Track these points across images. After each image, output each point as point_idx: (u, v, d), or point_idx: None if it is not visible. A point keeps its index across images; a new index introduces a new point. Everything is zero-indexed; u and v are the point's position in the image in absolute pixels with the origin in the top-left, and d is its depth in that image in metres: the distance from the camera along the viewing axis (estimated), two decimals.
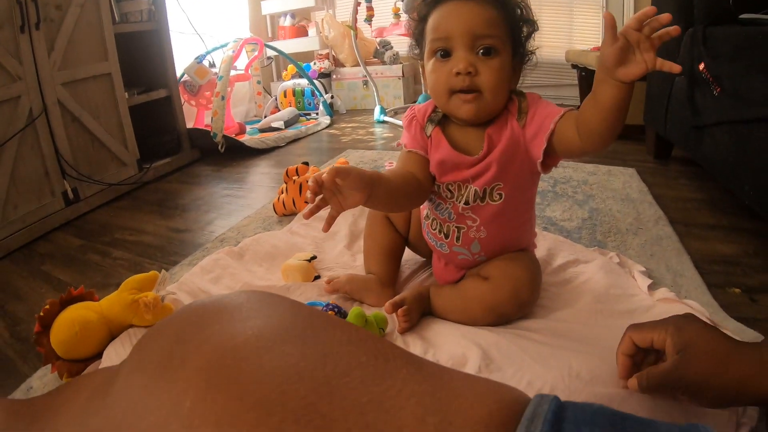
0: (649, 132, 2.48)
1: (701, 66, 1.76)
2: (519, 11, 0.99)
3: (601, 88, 0.79)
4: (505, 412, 0.40)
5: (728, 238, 1.48)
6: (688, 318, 0.74)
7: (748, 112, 1.48)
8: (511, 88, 1.02)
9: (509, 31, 0.97)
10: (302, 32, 4.27)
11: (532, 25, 1.01)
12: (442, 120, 1.06)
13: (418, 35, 1.05)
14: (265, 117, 3.62)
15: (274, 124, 3.38)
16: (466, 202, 1.04)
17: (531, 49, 1.04)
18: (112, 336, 1.09)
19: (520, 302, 1.05)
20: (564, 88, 3.75)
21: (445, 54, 0.96)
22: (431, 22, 0.98)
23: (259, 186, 2.33)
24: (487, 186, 1.02)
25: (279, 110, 3.78)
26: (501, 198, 1.03)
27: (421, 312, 1.11)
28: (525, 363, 0.90)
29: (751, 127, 1.47)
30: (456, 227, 1.09)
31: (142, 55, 2.69)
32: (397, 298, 1.09)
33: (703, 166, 1.82)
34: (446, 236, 1.11)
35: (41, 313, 1.06)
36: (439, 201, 1.09)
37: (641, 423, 0.43)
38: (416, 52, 1.08)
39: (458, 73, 0.93)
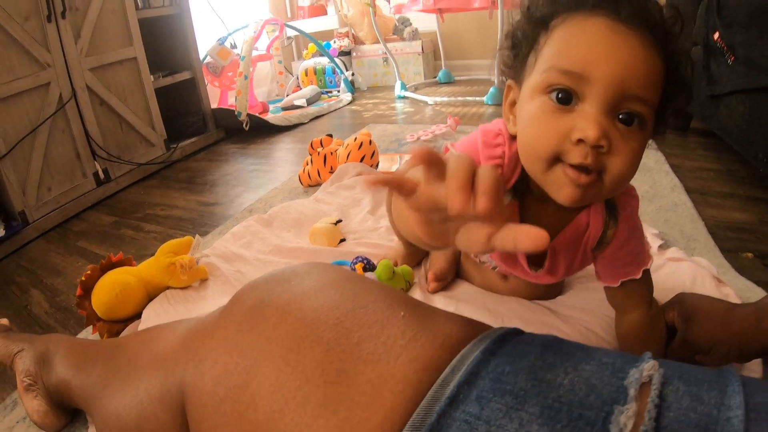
0: None
1: (715, 35, 1.75)
2: (686, 68, 0.66)
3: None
4: (465, 330, 0.54)
5: (744, 206, 1.47)
6: (689, 294, 0.84)
7: (761, 79, 1.48)
8: None
9: (662, 95, 0.65)
10: (321, 11, 4.28)
11: (689, 92, 0.67)
12: (523, 190, 0.74)
13: (522, 38, 0.69)
14: (287, 96, 3.65)
15: (297, 102, 3.41)
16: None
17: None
18: (150, 297, 1.14)
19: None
20: None
21: (567, 98, 0.62)
22: (559, 38, 0.64)
23: (284, 161, 2.36)
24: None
25: (300, 89, 3.80)
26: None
27: (453, 275, 1.10)
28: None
29: (764, 94, 1.47)
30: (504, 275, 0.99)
31: (165, 38, 2.73)
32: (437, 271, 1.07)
33: (719, 136, 1.81)
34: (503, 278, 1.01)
35: (83, 278, 1.11)
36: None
37: (575, 347, 0.51)
38: (507, 59, 0.73)
39: (580, 141, 0.60)
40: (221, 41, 3.15)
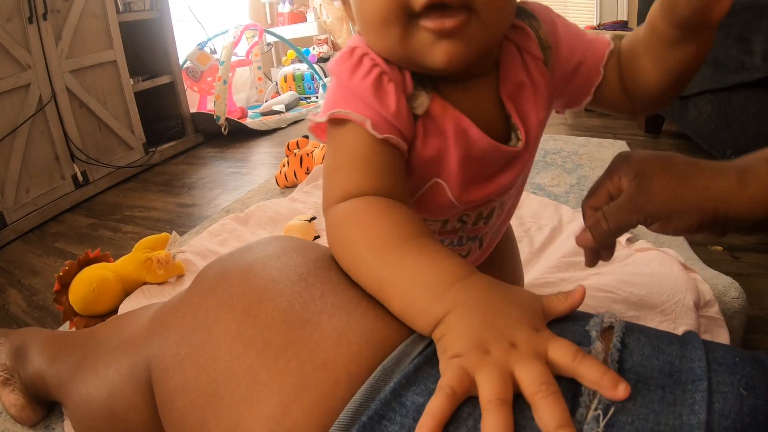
0: None
1: None
2: None
3: (676, 50, 0.53)
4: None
5: None
6: (637, 150, 0.63)
7: (727, 79, 1.55)
8: None
9: None
10: (300, 18, 4.31)
11: None
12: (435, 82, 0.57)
13: None
14: (266, 102, 3.68)
15: (275, 108, 3.44)
16: (483, 220, 0.70)
17: None
18: (127, 293, 1.16)
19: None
20: None
21: None
22: None
23: (262, 164, 2.39)
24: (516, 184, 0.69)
25: (279, 95, 3.83)
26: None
27: None
28: None
29: (731, 93, 1.55)
30: (473, 243, 0.74)
31: (145, 43, 2.76)
32: None
33: (690, 136, 1.87)
34: (465, 254, 0.76)
35: (60, 273, 1.13)
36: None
37: None
38: None
39: None
40: (201, 46, 3.17)
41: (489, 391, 0.35)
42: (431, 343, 0.42)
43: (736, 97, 1.53)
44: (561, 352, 0.37)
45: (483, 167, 0.60)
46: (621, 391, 0.34)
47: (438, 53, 0.49)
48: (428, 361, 0.41)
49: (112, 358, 0.66)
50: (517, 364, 0.36)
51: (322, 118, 0.54)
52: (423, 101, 0.55)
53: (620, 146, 2.10)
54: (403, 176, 0.56)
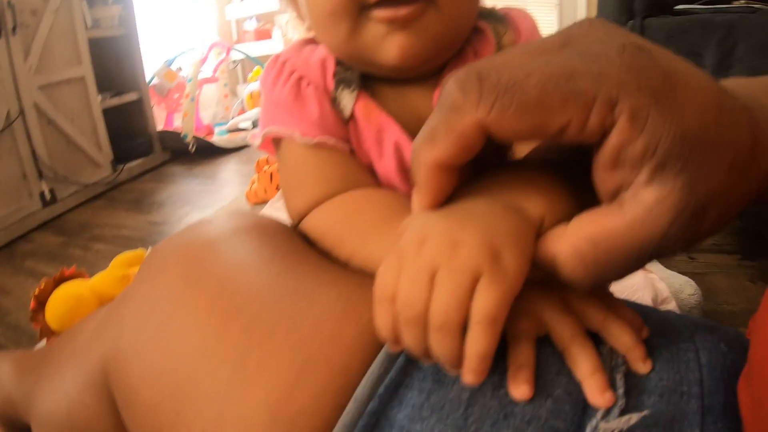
0: None
1: None
2: None
3: None
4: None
5: None
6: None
7: None
8: None
9: None
10: (266, 35, 4.35)
11: None
12: (364, 81, 0.54)
13: None
14: (233, 119, 3.70)
15: (242, 125, 3.46)
16: None
17: None
18: None
19: None
20: None
21: None
22: None
23: (231, 182, 2.42)
24: None
25: (246, 112, 3.86)
26: None
27: None
28: None
29: None
30: None
31: (113, 59, 2.75)
32: None
33: None
34: None
35: (36, 292, 1.14)
36: None
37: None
38: None
39: None
40: (168, 63, 3.18)
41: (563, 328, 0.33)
42: None
43: None
44: (592, 307, 0.34)
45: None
46: (647, 366, 0.33)
47: (391, 47, 0.46)
48: None
49: (67, 368, 0.61)
50: (545, 310, 0.33)
51: (258, 141, 0.54)
52: (347, 102, 0.52)
53: None
54: (356, 166, 0.54)
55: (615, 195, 0.28)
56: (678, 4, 1.94)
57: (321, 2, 0.47)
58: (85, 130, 2.40)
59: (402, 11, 0.44)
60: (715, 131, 0.25)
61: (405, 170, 0.53)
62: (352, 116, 0.52)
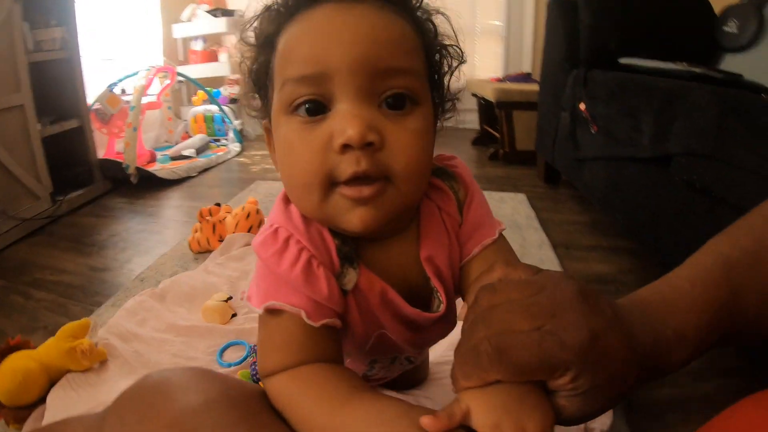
0: (539, 159, 2.80)
1: (582, 105, 2.02)
2: (432, 28, 0.60)
3: None
4: None
5: (606, 258, 1.73)
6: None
7: (618, 150, 1.71)
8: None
9: (427, 62, 0.58)
10: (213, 57, 4.37)
11: (458, 56, 0.62)
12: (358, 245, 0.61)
13: (258, 72, 0.61)
14: (177, 143, 3.70)
15: (185, 152, 3.47)
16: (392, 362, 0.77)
17: (452, 91, 0.65)
18: (52, 381, 1.22)
19: None
20: (464, 112, 4.07)
21: (316, 108, 0.53)
22: (284, 47, 0.55)
23: (173, 221, 2.45)
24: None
25: (190, 136, 3.87)
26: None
27: None
28: None
29: (621, 164, 1.70)
30: (406, 362, 0.79)
31: (54, 84, 2.69)
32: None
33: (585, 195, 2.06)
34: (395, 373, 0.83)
35: None
36: None
37: None
38: (255, 101, 0.64)
39: (345, 147, 0.50)
40: (111, 88, 3.16)
41: None
42: None
43: (626, 169, 1.66)
44: None
45: (417, 325, 0.66)
46: None
47: (353, 218, 0.53)
48: None
49: None
50: None
51: (257, 309, 0.57)
52: (351, 278, 0.60)
53: (520, 200, 2.33)
54: (336, 343, 0.60)
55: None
56: (622, 56, 2.05)
57: (296, 175, 0.54)
58: (23, 160, 2.35)
59: (365, 191, 0.51)
60: (617, 373, 0.45)
61: (400, 319, 0.64)
62: (354, 288, 0.61)
